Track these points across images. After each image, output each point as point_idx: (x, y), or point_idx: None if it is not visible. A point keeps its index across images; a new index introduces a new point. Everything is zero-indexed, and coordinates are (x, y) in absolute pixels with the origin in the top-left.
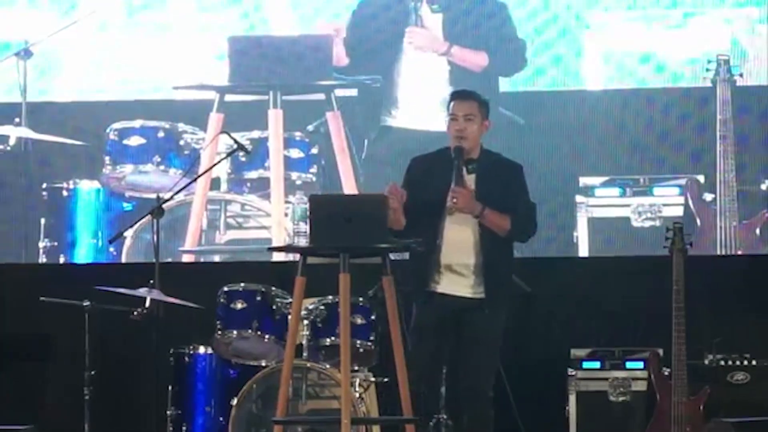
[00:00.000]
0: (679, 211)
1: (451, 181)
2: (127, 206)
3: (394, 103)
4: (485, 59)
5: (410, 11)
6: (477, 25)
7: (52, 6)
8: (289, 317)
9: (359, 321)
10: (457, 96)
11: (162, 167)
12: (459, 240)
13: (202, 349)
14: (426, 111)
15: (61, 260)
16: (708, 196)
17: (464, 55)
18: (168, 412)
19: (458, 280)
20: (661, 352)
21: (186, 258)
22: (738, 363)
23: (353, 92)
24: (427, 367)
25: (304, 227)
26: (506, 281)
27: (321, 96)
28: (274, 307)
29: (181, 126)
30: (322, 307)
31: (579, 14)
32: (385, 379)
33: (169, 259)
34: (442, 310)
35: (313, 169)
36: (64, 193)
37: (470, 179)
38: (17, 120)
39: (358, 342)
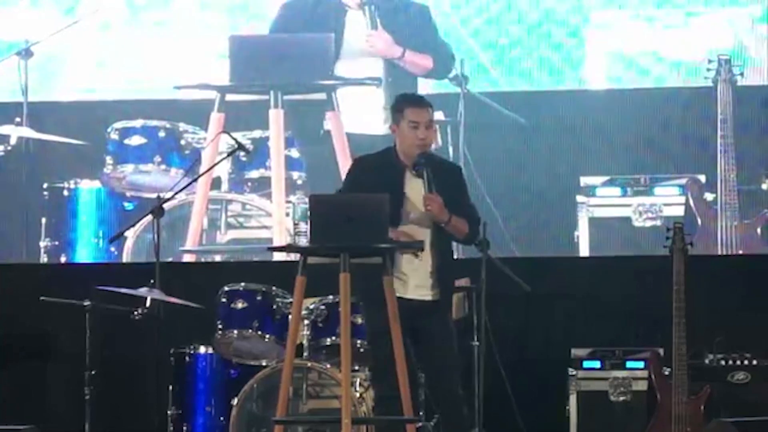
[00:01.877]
0: (680, 211)
1: (398, 184)
2: (128, 206)
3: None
4: (431, 62)
5: (367, 17)
6: (409, 32)
7: (53, 5)
8: (290, 317)
9: (360, 321)
10: (416, 103)
11: (163, 167)
12: None
13: (202, 349)
14: (364, 114)
15: (62, 260)
16: (709, 196)
17: (414, 59)
18: (168, 412)
19: (419, 283)
20: (661, 351)
21: (187, 258)
22: (738, 363)
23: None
24: (391, 372)
25: (305, 227)
26: (452, 283)
27: (322, 95)
28: (274, 306)
29: (182, 126)
30: (323, 307)
31: (580, 14)
32: None
33: (170, 259)
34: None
35: None
36: (65, 192)
37: (418, 183)
38: (18, 120)
39: (359, 342)
